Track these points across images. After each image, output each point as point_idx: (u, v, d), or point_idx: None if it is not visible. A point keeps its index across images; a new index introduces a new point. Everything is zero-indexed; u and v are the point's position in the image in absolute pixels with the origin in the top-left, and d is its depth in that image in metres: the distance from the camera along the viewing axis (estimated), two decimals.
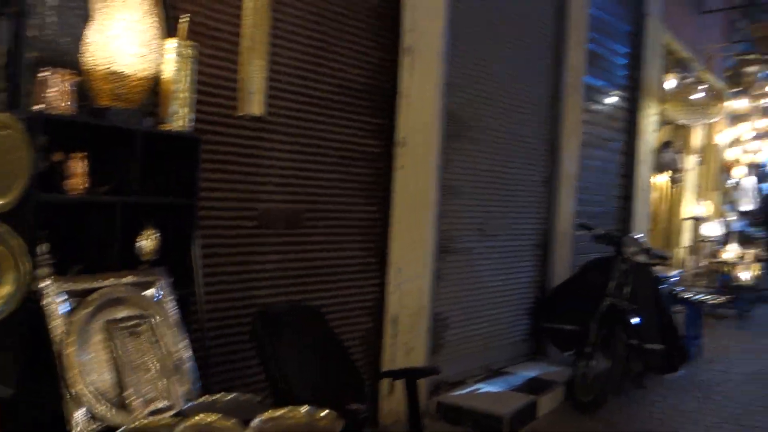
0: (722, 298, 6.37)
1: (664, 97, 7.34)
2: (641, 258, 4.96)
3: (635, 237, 5.03)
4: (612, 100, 6.66)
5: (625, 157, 7.00)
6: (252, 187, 3.22)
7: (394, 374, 2.93)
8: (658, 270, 5.53)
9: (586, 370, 4.67)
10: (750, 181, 9.99)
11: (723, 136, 8.90)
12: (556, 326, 5.20)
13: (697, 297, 6.23)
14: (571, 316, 5.04)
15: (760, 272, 9.10)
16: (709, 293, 7.43)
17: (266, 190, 3.29)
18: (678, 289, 6.17)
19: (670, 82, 7.62)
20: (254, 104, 2.33)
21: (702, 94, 6.91)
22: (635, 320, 4.66)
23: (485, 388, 4.62)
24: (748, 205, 10.14)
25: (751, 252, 9.29)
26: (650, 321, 4.83)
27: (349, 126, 3.73)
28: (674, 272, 6.14)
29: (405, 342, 4.05)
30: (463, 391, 4.50)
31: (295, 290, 3.45)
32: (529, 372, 5.04)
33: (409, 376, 2.82)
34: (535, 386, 4.70)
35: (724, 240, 9.31)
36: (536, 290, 5.58)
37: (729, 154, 9.33)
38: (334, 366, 2.70)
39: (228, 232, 3.12)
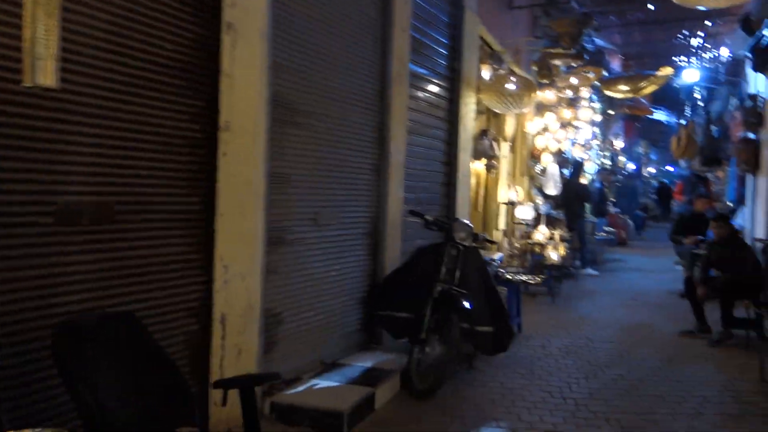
0: (539, 279, 6.76)
1: (481, 87, 7.63)
2: (470, 242, 5.07)
3: (464, 222, 5.13)
4: (435, 88, 6.77)
5: (447, 145, 7.16)
6: (49, 177, 2.74)
7: (228, 384, 2.63)
8: (484, 253, 5.71)
9: (421, 356, 4.67)
10: (554, 168, 10.80)
11: (532, 125, 9.52)
12: (390, 314, 5.16)
13: (517, 278, 6.54)
14: (404, 304, 5.03)
15: (565, 252, 9.86)
16: (526, 273, 7.89)
17: (68, 180, 2.83)
18: (500, 270, 6.44)
19: (486, 73, 7.94)
20: (44, 73, 1.90)
21: (513, 86, 7.27)
22: (467, 305, 4.74)
23: (321, 383, 4.45)
24: (552, 189, 10.95)
25: (557, 233, 10.04)
26: (480, 304, 4.94)
27: (167, 108, 3.34)
28: (497, 255, 6.41)
29: (235, 343, 3.74)
30: (299, 389, 4.29)
31: (107, 295, 3.02)
32: (364, 362, 4.95)
33: (244, 385, 2.55)
34: (371, 377, 4.62)
35: (535, 223, 9.97)
36: (369, 279, 5.51)
37: (538, 142, 10.02)
38: (158, 381, 2.35)
39: (19, 231, 2.62)
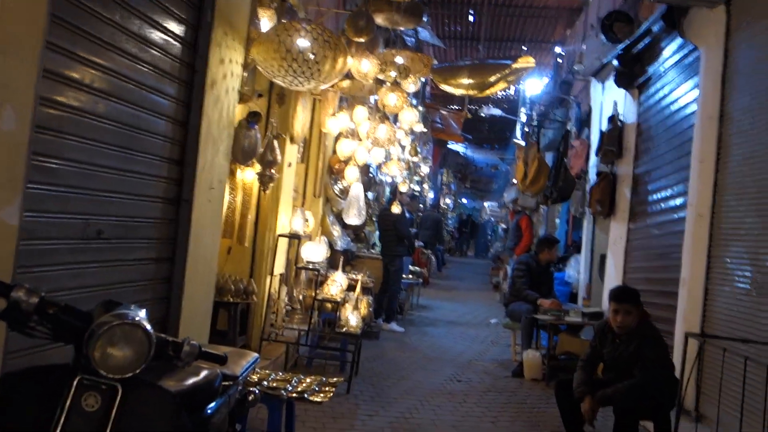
0: (328, 390, 3.66)
1: (255, 39, 4.43)
2: (148, 367, 1.77)
3: (132, 318, 1.77)
4: (155, 11, 3.42)
5: (179, 129, 3.85)
6: None
7: None
8: (211, 374, 2.42)
9: None
10: (359, 188, 7.83)
11: (335, 122, 6.43)
12: None
13: (288, 392, 3.35)
14: None
15: (368, 309, 6.92)
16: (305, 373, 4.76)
17: None
18: (255, 385, 3.22)
19: (266, 22, 4.78)
20: None
21: (308, 42, 4.15)
22: None
23: None
24: (354, 218, 7.97)
25: (360, 279, 7.11)
26: None
27: None
28: (248, 360, 3.13)
29: None
30: None
31: None
32: None
33: None
34: None
35: (329, 265, 6.94)
36: None
37: (341, 150, 6.93)
38: None
39: None
